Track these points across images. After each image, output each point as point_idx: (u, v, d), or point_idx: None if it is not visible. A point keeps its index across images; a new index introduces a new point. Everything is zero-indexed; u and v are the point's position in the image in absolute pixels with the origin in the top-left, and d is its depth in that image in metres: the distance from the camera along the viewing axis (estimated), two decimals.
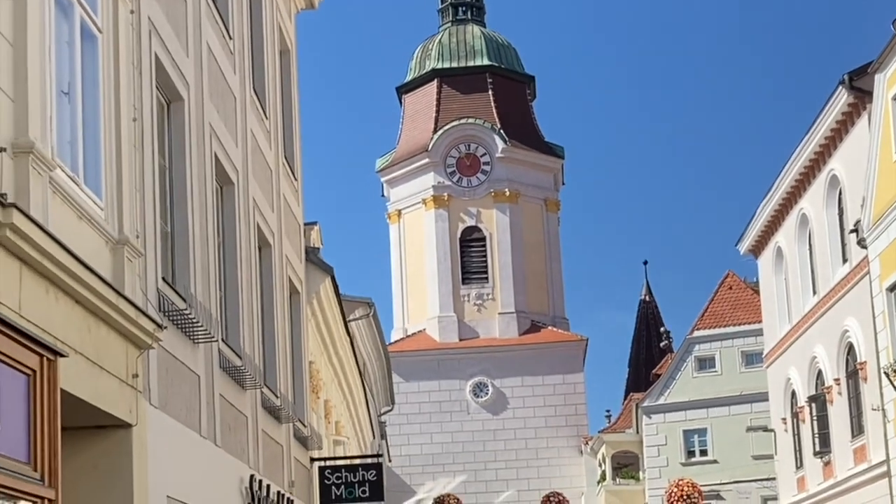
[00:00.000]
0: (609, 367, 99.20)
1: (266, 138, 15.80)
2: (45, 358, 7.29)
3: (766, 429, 34.02)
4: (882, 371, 24.03)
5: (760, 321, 40.75)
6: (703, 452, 42.08)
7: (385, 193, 54.03)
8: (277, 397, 15.23)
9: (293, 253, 17.25)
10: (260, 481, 13.58)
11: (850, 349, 27.14)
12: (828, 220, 28.23)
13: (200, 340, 11.50)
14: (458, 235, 51.31)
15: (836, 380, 27.79)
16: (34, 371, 7.16)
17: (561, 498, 37.97)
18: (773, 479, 36.01)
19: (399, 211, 52.86)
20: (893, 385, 23.58)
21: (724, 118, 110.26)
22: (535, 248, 51.67)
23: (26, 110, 7.62)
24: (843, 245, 27.75)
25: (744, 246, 34.62)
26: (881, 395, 24.55)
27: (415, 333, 50.44)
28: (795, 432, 31.62)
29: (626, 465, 46.37)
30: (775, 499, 36.35)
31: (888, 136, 23.84)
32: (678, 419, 42.41)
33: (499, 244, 50.92)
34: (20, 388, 7.03)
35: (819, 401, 29.10)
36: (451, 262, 50.80)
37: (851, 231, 25.85)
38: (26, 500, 6.97)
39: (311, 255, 18.08)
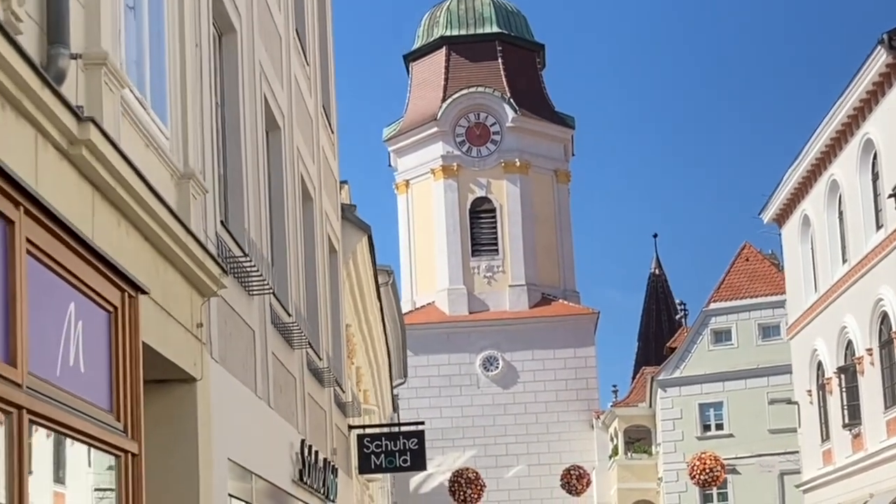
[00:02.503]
0: (616, 342, 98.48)
1: (307, 85, 14.94)
2: (126, 294, 6.45)
3: (789, 401, 33.32)
4: None
5: (778, 293, 40.06)
6: (719, 426, 41.36)
7: (392, 163, 53.04)
8: (321, 359, 14.42)
9: (331, 209, 16.40)
10: (310, 447, 12.77)
11: (884, 318, 26.40)
12: (860, 185, 27.44)
13: (255, 292, 10.68)
14: (468, 206, 50.33)
15: (869, 350, 27.06)
16: (116, 308, 6.31)
17: (581, 471, 37.23)
18: (795, 452, 35.33)
19: (407, 181, 51.87)
20: None
21: (740, 88, 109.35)
22: (546, 220, 50.75)
23: (98, 18, 6.74)
24: (878, 211, 26.97)
25: (767, 214, 33.84)
26: None
27: (424, 306, 49.52)
28: (821, 404, 30.92)
29: (638, 440, 45.67)
30: (795, 473, 35.69)
31: None
32: (694, 392, 41.65)
33: (509, 215, 49.98)
34: (101, 327, 6.18)
35: (849, 372, 28.39)
36: (461, 233, 49.86)
37: (890, 196, 25.04)
38: (109, 451, 6.13)
39: (348, 213, 17.22)
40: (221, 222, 9.75)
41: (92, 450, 6.08)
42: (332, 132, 17.11)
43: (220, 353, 9.43)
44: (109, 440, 6.05)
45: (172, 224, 7.62)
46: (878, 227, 26.69)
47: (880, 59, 24.93)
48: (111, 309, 6.25)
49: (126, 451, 6.29)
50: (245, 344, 10.46)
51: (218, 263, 8.69)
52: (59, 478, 5.78)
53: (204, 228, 8.98)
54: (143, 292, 6.64)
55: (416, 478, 45.71)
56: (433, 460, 39.65)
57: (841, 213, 29.03)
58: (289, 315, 12.35)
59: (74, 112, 6.01)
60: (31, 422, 5.03)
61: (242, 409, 10.10)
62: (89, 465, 6.21)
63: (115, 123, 6.99)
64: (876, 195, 27.00)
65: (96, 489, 6.43)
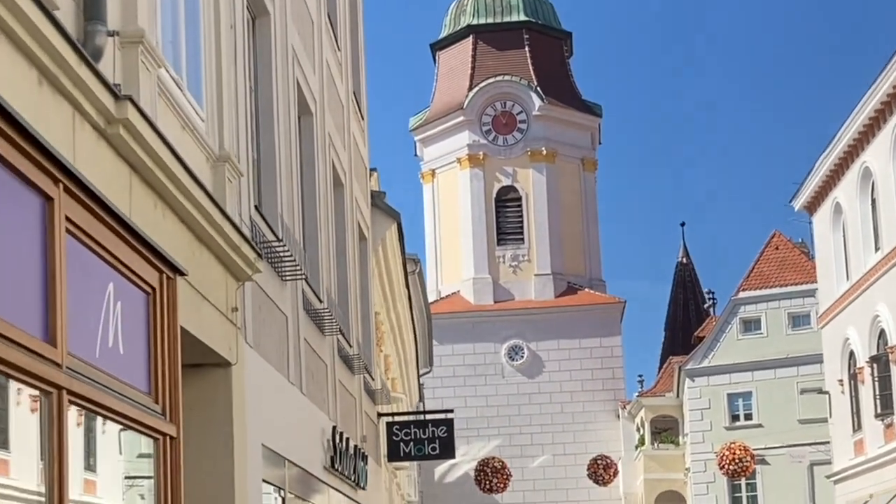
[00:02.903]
0: (642, 332, 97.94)
1: (338, 70, 14.82)
2: (164, 275, 6.35)
3: (820, 391, 33.01)
4: None
5: (808, 282, 39.71)
6: (748, 416, 40.99)
7: (418, 153, 52.86)
8: (351, 346, 14.33)
9: (361, 196, 16.28)
10: (341, 433, 12.68)
11: None
12: (894, 172, 27.11)
13: (288, 277, 10.58)
14: (494, 195, 50.04)
15: None
16: (154, 289, 6.21)
17: (609, 461, 37.02)
18: (825, 442, 35.03)
19: (433, 170, 51.66)
20: None
21: (770, 75, 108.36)
22: (572, 209, 50.45)
23: None
24: None
25: (798, 202, 33.52)
26: None
27: (449, 295, 49.33)
28: (853, 394, 30.62)
29: (665, 430, 45.37)
30: (825, 463, 35.40)
31: None
32: (722, 382, 41.31)
33: (535, 204, 49.69)
34: (140, 309, 6.09)
35: (881, 361, 28.08)
36: (487, 222, 49.61)
37: None
38: (148, 434, 6.04)
39: (377, 200, 17.10)
40: (255, 207, 9.66)
41: (123, 436, 5.99)
42: (363, 118, 17.00)
43: (255, 338, 9.34)
44: (148, 423, 5.96)
45: (209, 207, 7.53)
46: None
47: None
48: (149, 290, 6.16)
49: (165, 434, 6.20)
50: (278, 329, 10.37)
51: (253, 248, 8.60)
52: (89, 465, 5.68)
53: (239, 212, 8.89)
54: (181, 274, 6.54)
55: (440, 467, 45.61)
56: (458, 450, 39.55)
57: (874, 201, 28.69)
58: (320, 301, 12.26)
59: (112, 90, 5.91)
60: (71, 402, 4.94)
61: (276, 394, 10.01)
62: (120, 452, 6.12)
63: (152, 103, 6.89)
64: None
65: (126, 477, 6.34)
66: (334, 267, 13.67)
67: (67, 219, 5.04)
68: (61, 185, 4.97)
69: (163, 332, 6.27)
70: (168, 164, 6.71)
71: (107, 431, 5.77)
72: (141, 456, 6.40)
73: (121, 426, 5.73)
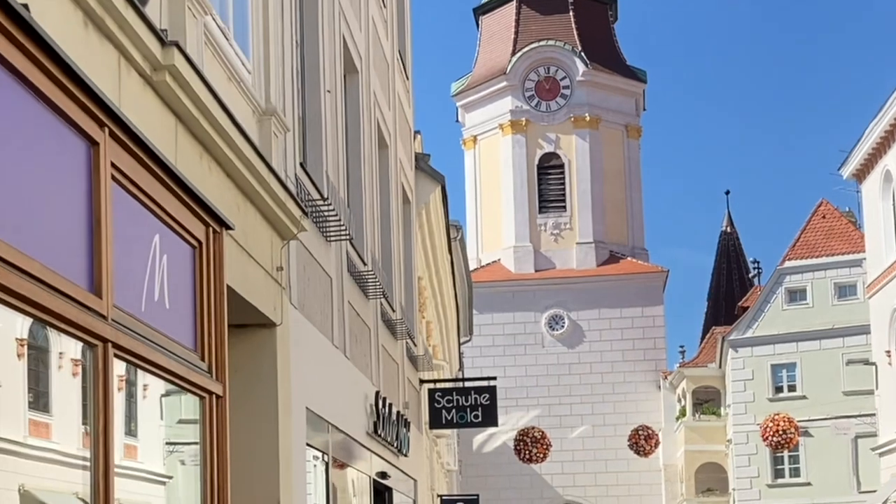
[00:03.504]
0: (684, 302, 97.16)
1: (384, 28, 14.54)
2: (211, 229, 6.13)
3: (867, 362, 32.53)
4: None
5: (855, 251, 39.09)
6: (792, 388, 40.48)
7: (460, 119, 52.41)
8: (394, 311, 14.11)
9: (405, 158, 16.03)
10: (384, 399, 12.48)
11: None
12: None
13: (333, 238, 10.36)
14: (536, 162, 49.57)
15: None
16: (200, 243, 5.99)
17: (650, 431, 36.67)
18: (870, 415, 34.55)
19: (475, 137, 51.24)
20: None
21: (819, 41, 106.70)
22: (615, 176, 49.91)
23: None
24: None
25: (847, 170, 32.96)
26: None
27: (489, 264, 48.99)
28: None
29: (707, 401, 44.93)
30: (870, 436, 34.93)
31: None
32: (766, 353, 40.80)
33: (577, 171, 49.18)
34: (186, 263, 5.87)
35: None
36: (528, 189, 49.16)
37: None
38: (194, 392, 5.84)
39: (422, 163, 16.82)
40: (300, 164, 9.43)
41: (164, 401, 5.79)
42: (407, 78, 16.71)
43: (299, 299, 9.14)
44: (194, 380, 5.76)
45: (255, 161, 7.31)
46: None
47: None
48: (195, 244, 5.95)
49: (211, 393, 6.00)
50: (322, 291, 10.16)
51: (299, 205, 8.39)
52: (130, 430, 5.49)
53: (284, 169, 8.67)
54: (229, 228, 6.32)
55: (478, 436, 45.50)
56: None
57: None
58: (364, 264, 12.05)
59: (159, 35, 5.68)
60: (116, 356, 4.74)
61: (320, 357, 9.82)
62: (161, 417, 5.92)
63: (199, 52, 6.67)
64: None
65: (168, 442, 6.14)
66: (378, 229, 13.44)
67: (113, 165, 4.83)
68: (107, 130, 4.75)
69: (209, 287, 6.05)
70: (215, 114, 6.50)
71: (148, 396, 5.58)
72: (182, 422, 6.20)
73: (166, 383, 5.52)
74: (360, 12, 12.79)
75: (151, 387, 5.56)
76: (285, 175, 8.62)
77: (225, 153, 6.88)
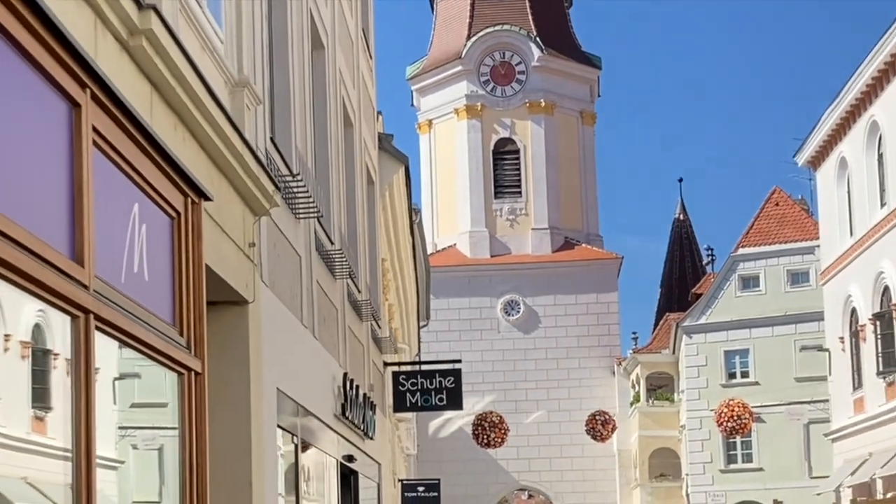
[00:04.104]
0: (636, 289, 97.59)
1: (349, 5, 14.29)
2: (189, 199, 5.91)
3: (820, 348, 32.75)
4: None
5: (808, 239, 39.38)
6: (745, 374, 40.76)
7: (415, 103, 52.15)
8: (359, 292, 13.91)
9: (369, 138, 15.81)
10: (351, 381, 12.29)
11: None
12: None
13: (301, 215, 10.14)
14: (491, 147, 49.48)
15: None
16: (179, 214, 5.77)
17: (607, 417, 36.77)
18: (822, 401, 34.85)
19: (430, 121, 51.00)
20: None
21: (771, 31, 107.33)
22: (570, 163, 49.90)
23: None
24: None
25: (802, 157, 33.13)
26: None
27: (444, 249, 48.82)
28: (854, 352, 30.37)
29: (660, 387, 45.16)
30: (822, 422, 35.23)
31: None
32: (719, 339, 41.04)
33: (533, 157, 49.12)
34: (164, 234, 5.65)
35: (884, 318, 27.81)
36: (484, 175, 49.03)
37: None
38: (173, 368, 5.62)
39: (385, 143, 16.61)
40: (271, 139, 9.21)
41: (118, 384, 5.54)
42: (371, 57, 16.48)
43: (270, 277, 8.92)
44: (174, 355, 5.54)
45: (230, 133, 7.09)
46: None
47: None
48: (174, 215, 5.72)
49: (190, 370, 5.79)
50: (292, 269, 9.95)
51: (272, 180, 8.17)
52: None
53: (255, 142, 8.44)
54: (207, 199, 6.10)
55: (434, 421, 45.41)
56: None
57: (881, 156, 28.30)
58: (331, 243, 11.84)
59: None
60: (98, 329, 4.51)
61: (290, 337, 9.61)
62: (114, 402, 5.68)
63: (174, 18, 6.44)
64: None
65: (120, 427, 5.91)
66: (344, 209, 13.23)
67: (95, 129, 4.60)
68: (89, 92, 4.52)
69: (187, 259, 5.83)
70: (191, 82, 6.27)
71: (100, 379, 5.35)
72: (135, 406, 5.97)
73: (145, 358, 5.29)
74: None
75: (104, 370, 5.32)
76: (257, 148, 8.40)
77: (200, 123, 6.65)
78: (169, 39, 5.86)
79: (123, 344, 4.95)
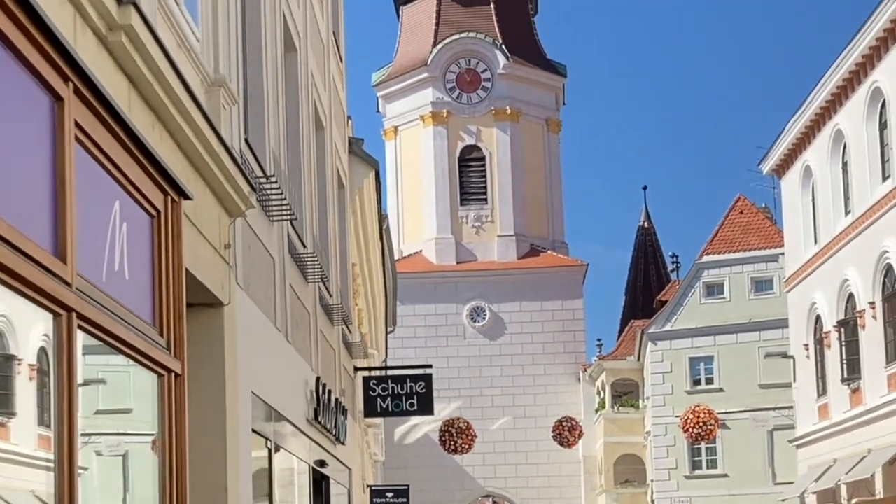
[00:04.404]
0: (601, 297, 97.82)
1: (320, 7, 14.22)
2: (170, 198, 5.81)
3: (785, 355, 32.93)
4: None
5: (772, 246, 39.64)
6: (709, 381, 40.91)
7: (381, 109, 52.05)
8: (331, 296, 13.82)
9: (340, 142, 15.72)
10: (324, 385, 12.19)
11: (889, 271, 25.97)
12: (867, 135, 26.91)
13: (276, 217, 10.05)
14: (457, 154, 49.44)
15: (871, 303, 26.62)
16: (159, 212, 5.68)
17: (574, 423, 36.78)
18: (786, 407, 35.03)
19: (396, 127, 50.92)
20: None
21: (737, 38, 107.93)
22: (536, 170, 49.97)
23: None
24: (884, 162, 26.47)
25: (767, 165, 33.32)
26: None
27: (410, 255, 48.72)
28: (818, 359, 30.55)
29: (625, 393, 45.28)
30: (786, 428, 35.42)
31: None
32: (684, 346, 41.17)
33: (499, 164, 49.15)
34: (145, 232, 5.56)
35: (849, 325, 27.97)
36: (450, 181, 48.99)
37: None
38: (153, 369, 5.52)
39: (355, 147, 16.53)
40: (245, 140, 9.12)
41: (82, 390, 5.44)
42: (341, 61, 16.41)
43: (244, 279, 8.82)
44: (154, 356, 5.44)
45: (207, 132, 7.00)
46: (885, 177, 26.19)
47: (893, 5, 24.33)
48: (154, 213, 5.63)
49: (170, 371, 5.69)
50: (266, 272, 9.85)
51: (248, 181, 8.08)
52: (43, 421, 5.11)
53: (230, 142, 8.35)
54: (187, 198, 6.01)
55: (401, 428, 45.27)
56: None
57: (845, 164, 28.51)
58: (304, 246, 11.74)
59: None
60: (80, 327, 4.41)
61: (264, 340, 9.51)
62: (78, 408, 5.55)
63: (152, 14, 6.35)
64: (883, 145, 26.47)
65: (83, 434, 5.79)
66: (316, 212, 13.15)
67: (77, 124, 4.50)
68: (71, 86, 4.42)
69: (167, 259, 5.74)
70: (169, 80, 6.17)
71: None
72: (99, 413, 5.85)
73: (128, 358, 5.19)
74: None
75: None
76: (232, 148, 8.30)
77: (178, 122, 6.56)
78: (148, 35, 5.77)
79: (105, 344, 4.84)
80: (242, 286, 8.72)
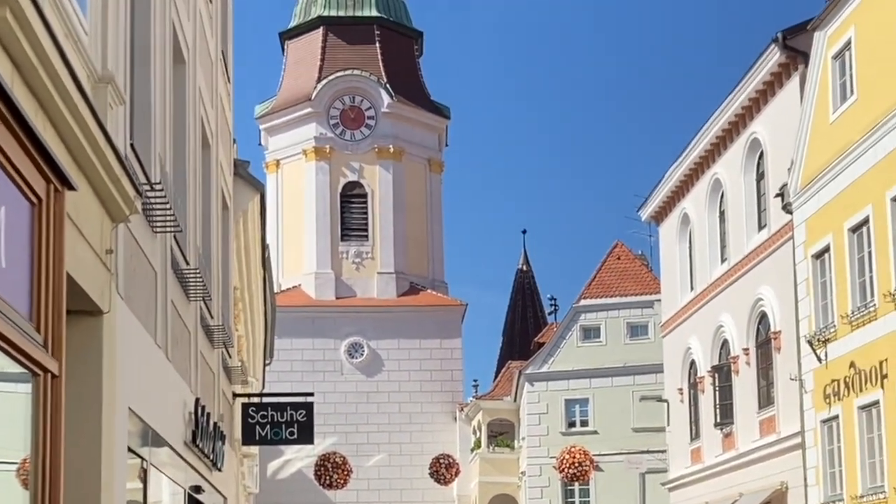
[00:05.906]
0: (478, 337, 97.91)
1: (210, 23, 13.91)
2: (53, 186, 5.46)
3: (659, 399, 33.31)
4: (805, 340, 23.32)
5: (648, 293, 40.25)
6: (584, 423, 41.20)
7: (263, 142, 51.53)
8: (212, 317, 13.41)
9: (225, 162, 15.36)
10: (203, 407, 11.76)
11: (763, 318, 26.49)
12: (745, 185, 27.52)
13: (159, 229, 9.67)
14: (339, 190, 49.17)
15: (745, 349, 27.11)
16: (40, 200, 5.32)
17: (451, 460, 36.48)
18: (659, 451, 35.40)
19: (278, 161, 50.40)
20: (817, 354, 22.90)
21: (616, 88, 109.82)
22: (417, 209, 49.97)
23: None
24: (761, 211, 27.08)
25: (646, 212, 33.82)
26: (799, 365, 23.89)
27: (289, 289, 48.10)
28: (692, 403, 30.97)
29: (501, 433, 45.31)
30: (659, 471, 35.76)
31: (825, 98, 23.09)
32: (561, 388, 41.41)
33: (380, 202, 49.00)
34: (24, 220, 5.19)
35: (723, 371, 28.42)
36: (331, 217, 48.64)
37: (776, 195, 25.09)
38: (29, 367, 5.14)
39: (241, 169, 16.18)
40: (131, 145, 8.75)
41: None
42: (229, 81, 16.08)
43: (125, 289, 8.43)
44: (30, 352, 5.07)
45: (93, 127, 6.65)
46: (761, 227, 26.78)
47: (773, 57, 24.95)
48: (35, 201, 5.27)
49: (46, 371, 5.31)
50: (148, 285, 9.46)
51: (134, 185, 7.72)
52: None
53: (116, 143, 7.98)
54: (71, 188, 5.66)
55: (273, 462, 44.52)
56: (292, 446, 38.47)
57: (722, 213, 29.08)
58: (187, 262, 11.35)
59: None
60: None
61: (143, 356, 9.10)
62: None
63: None
64: (760, 195, 27.09)
65: None
66: (200, 230, 12.76)
67: None
68: None
69: (47, 251, 5.38)
70: (56, 67, 5.83)
71: None
72: None
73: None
74: (189, 1, 12.15)
75: None
76: (119, 150, 7.94)
77: (62, 113, 6.20)
78: (35, 16, 5.44)
79: None
80: (123, 296, 8.33)
